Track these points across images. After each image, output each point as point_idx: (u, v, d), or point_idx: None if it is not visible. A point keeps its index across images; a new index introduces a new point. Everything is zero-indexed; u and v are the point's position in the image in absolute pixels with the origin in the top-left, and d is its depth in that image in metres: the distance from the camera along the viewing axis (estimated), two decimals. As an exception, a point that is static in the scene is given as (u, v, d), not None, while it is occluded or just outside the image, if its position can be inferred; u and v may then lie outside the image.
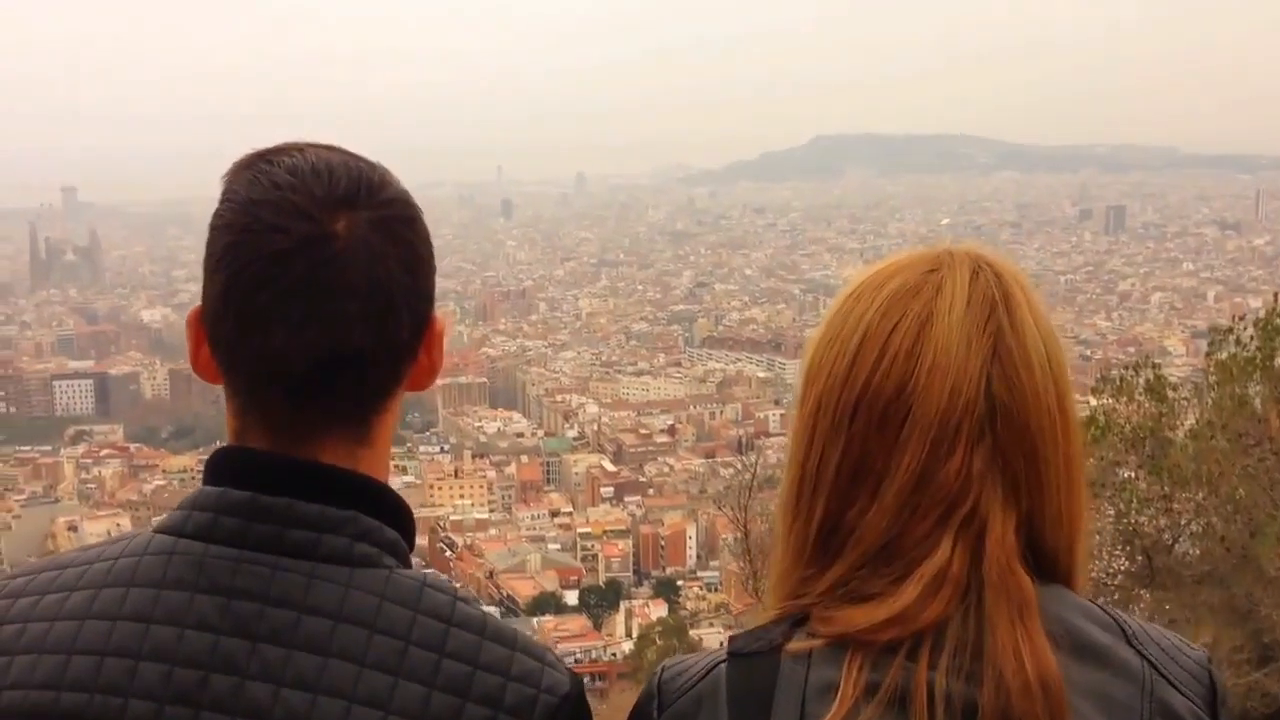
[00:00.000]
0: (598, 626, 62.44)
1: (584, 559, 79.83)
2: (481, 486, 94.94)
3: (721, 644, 1.28)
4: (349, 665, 1.12)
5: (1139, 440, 11.29)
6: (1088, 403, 12.22)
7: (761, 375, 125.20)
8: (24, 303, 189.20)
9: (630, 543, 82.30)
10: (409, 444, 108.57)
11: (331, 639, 1.13)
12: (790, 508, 1.28)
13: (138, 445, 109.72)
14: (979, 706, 1.13)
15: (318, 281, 1.16)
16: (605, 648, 57.16)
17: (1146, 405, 11.49)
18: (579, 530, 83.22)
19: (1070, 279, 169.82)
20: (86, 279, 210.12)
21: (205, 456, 1.27)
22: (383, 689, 1.12)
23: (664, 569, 78.78)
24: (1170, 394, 11.62)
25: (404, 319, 1.21)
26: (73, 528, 76.62)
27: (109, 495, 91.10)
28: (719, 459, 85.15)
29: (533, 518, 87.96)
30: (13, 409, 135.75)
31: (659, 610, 56.25)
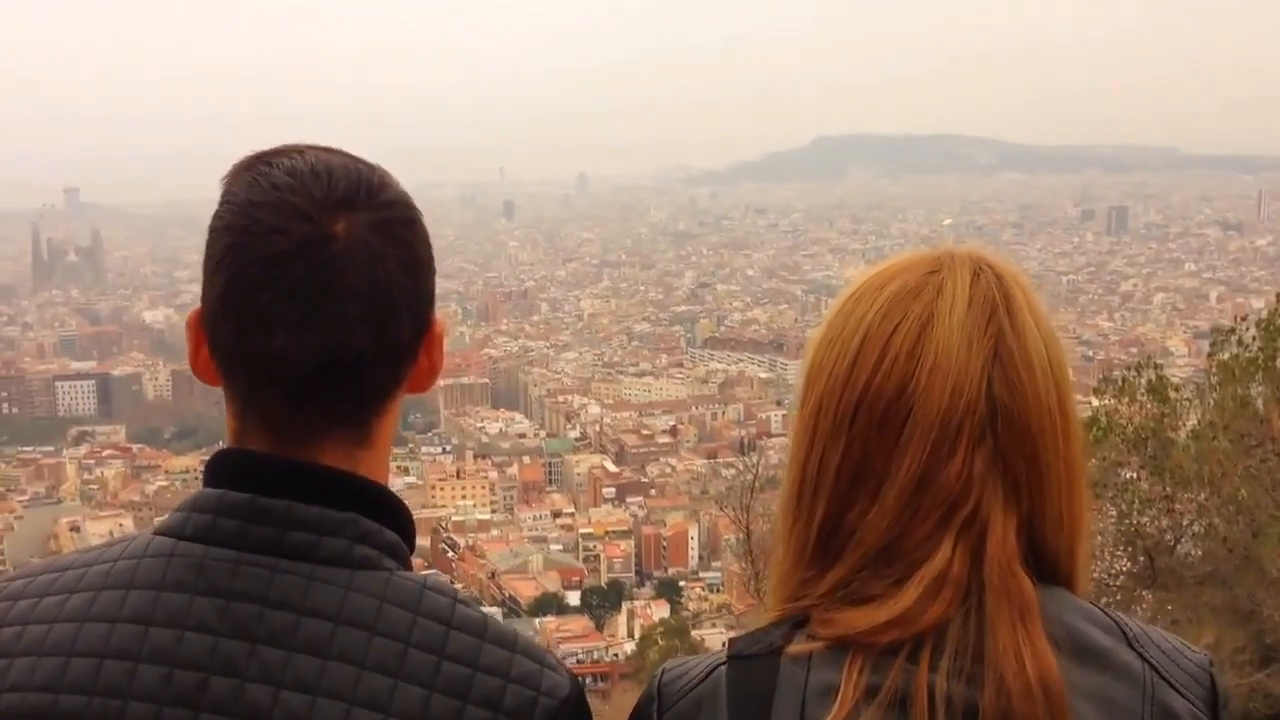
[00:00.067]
0: (600, 627, 62.41)
1: (586, 560, 79.85)
2: (483, 487, 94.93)
3: (722, 646, 1.28)
4: (349, 667, 1.13)
5: (1141, 441, 11.29)
6: (1090, 403, 12.22)
7: (763, 376, 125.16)
8: (26, 303, 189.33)
9: (632, 543, 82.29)
10: (411, 445, 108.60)
11: (331, 641, 1.13)
12: (791, 509, 1.28)
13: (140, 446, 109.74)
14: (980, 709, 1.13)
15: (317, 283, 1.16)
16: (607, 648, 57.10)
17: (1149, 406, 11.49)
18: (581, 531, 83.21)
19: (1072, 279, 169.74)
20: (89, 280, 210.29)
21: (208, 457, 1.28)
22: (383, 691, 1.12)
23: (666, 570, 78.78)
24: (1172, 395, 11.63)
25: (404, 321, 1.21)
26: (75, 528, 76.66)
27: (111, 496, 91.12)
28: (721, 459, 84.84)
29: (535, 518, 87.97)
30: (15, 410, 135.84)
31: (661, 611, 56.24)
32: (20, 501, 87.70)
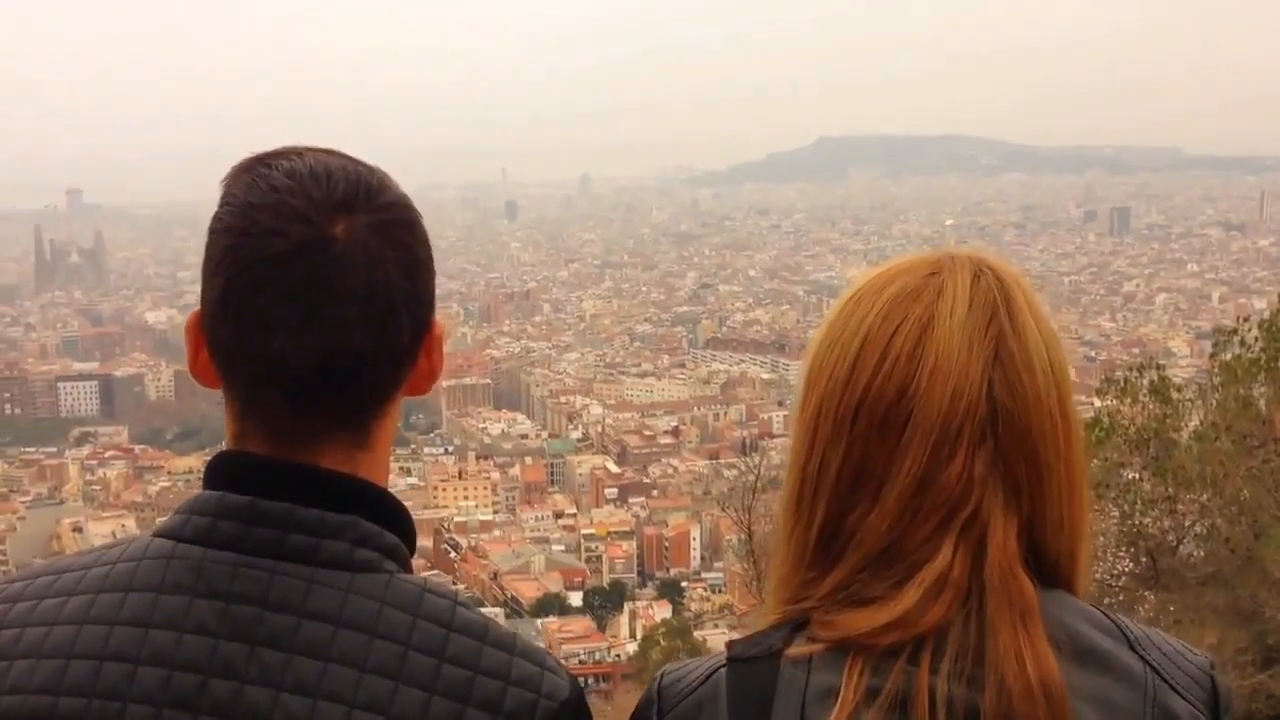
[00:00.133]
0: (602, 628, 62.41)
1: (588, 560, 79.83)
2: (485, 488, 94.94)
3: (722, 649, 1.28)
4: (349, 670, 1.12)
5: (1143, 442, 11.30)
6: (1092, 404, 12.24)
7: (765, 377, 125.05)
8: (29, 304, 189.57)
9: (634, 544, 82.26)
10: (413, 445, 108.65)
11: (331, 644, 1.13)
12: (791, 511, 1.28)
13: (142, 447, 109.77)
14: (981, 711, 1.13)
15: (317, 285, 1.16)
16: (609, 649, 57.11)
17: (1151, 406, 11.49)
18: (583, 531, 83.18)
19: (1075, 280, 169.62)
20: (91, 281, 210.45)
21: (210, 458, 1.28)
22: (383, 694, 1.12)
23: (668, 570, 78.75)
24: (1175, 395, 11.63)
25: (404, 323, 1.21)
26: (78, 529, 76.71)
27: (114, 497, 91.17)
28: (723, 460, 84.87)
29: (537, 519, 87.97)
30: (17, 410, 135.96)
31: (663, 611, 56.31)
32: (23, 502, 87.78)
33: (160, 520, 1.26)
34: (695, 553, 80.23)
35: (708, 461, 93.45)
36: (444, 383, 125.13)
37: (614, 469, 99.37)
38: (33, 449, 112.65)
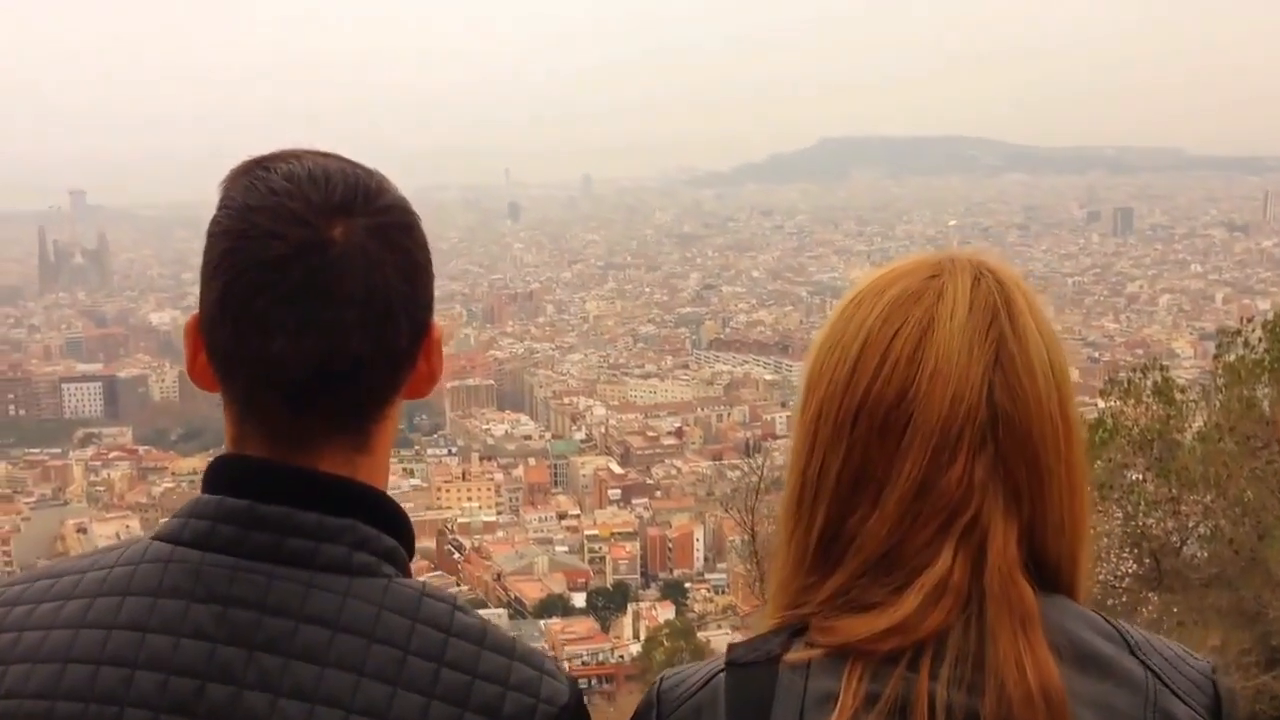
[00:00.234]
0: (605, 629, 62.43)
1: (591, 561, 79.82)
2: (489, 489, 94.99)
3: (723, 652, 1.28)
4: (347, 674, 1.12)
5: (1147, 442, 11.30)
6: (1096, 405, 12.24)
7: (769, 378, 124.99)
8: (32, 305, 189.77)
9: (638, 545, 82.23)
10: (417, 446, 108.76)
11: (329, 648, 1.13)
12: (791, 515, 1.28)
13: (146, 447, 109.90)
14: (981, 717, 1.13)
15: (315, 287, 1.16)
16: (613, 650, 57.12)
17: (1154, 407, 11.50)
18: (586, 532, 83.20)
19: (1078, 281, 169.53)
20: (95, 282, 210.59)
21: (209, 461, 1.28)
22: (381, 698, 1.12)
23: (671, 571, 78.77)
24: (1178, 396, 11.64)
25: (402, 326, 1.21)
26: (82, 530, 76.87)
27: (118, 497, 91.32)
28: (726, 461, 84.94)
29: (540, 520, 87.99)
30: (21, 411, 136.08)
31: (666, 612, 56.39)
32: (27, 503, 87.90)
33: (160, 523, 1.26)
34: (699, 554, 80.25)
35: (711, 462, 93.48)
36: (447, 384, 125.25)
37: (617, 470, 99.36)
38: (37, 450, 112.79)
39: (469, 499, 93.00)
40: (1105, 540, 10.82)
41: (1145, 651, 1.21)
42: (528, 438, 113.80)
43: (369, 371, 1.20)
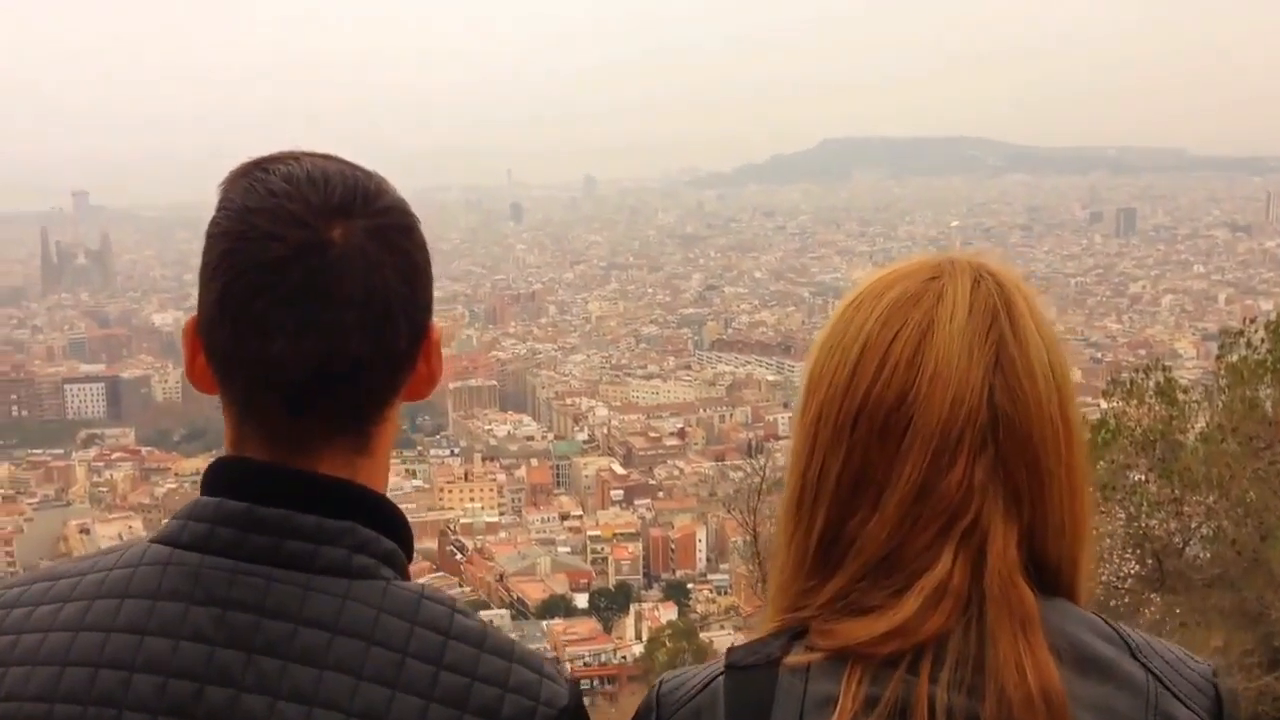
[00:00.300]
0: (608, 629, 62.47)
1: (594, 562, 79.86)
2: (491, 489, 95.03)
3: (722, 656, 1.28)
4: (346, 678, 1.12)
5: (1149, 443, 11.29)
6: (1099, 406, 12.23)
7: (771, 378, 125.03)
8: (35, 306, 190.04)
9: (640, 546, 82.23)
10: (420, 447, 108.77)
11: (328, 651, 1.13)
12: (791, 517, 1.28)
13: (149, 448, 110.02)
14: None
15: (315, 289, 1.16)
16: (615, 651, 57.15)
17: (1157, 408, 11.49)
18: (589, 533, 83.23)
19: (1080, 281, 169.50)
20: (98, 282, 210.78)
21: (208, 463, 1.29)
22: (380, 701, 1.12)
23: (674, 572, 78.78)
24: (1181, 397, 11.62)
25: (401, 328, 1.21)
26: (85, 530, 76.92)
27: (121, 498, 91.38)
28: (728, 462, 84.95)
29: (543, 521, 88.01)
30: (24, 412, 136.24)
31: (669, 613, 56.39)
32: (30, 504, 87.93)
33: (160, 524, 1.26)
34: (701, 554, 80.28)
35: (713, 463, 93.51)
36: (450, 384, 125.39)
37: (620, 471, 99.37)
38: (40, 451, 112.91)
39: (471, 500, 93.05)
40: (1108, 541, 10.82)
41: (1146, 654, 1.20)
42: (530, 438, 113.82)
43: (368, 373, 1.20)
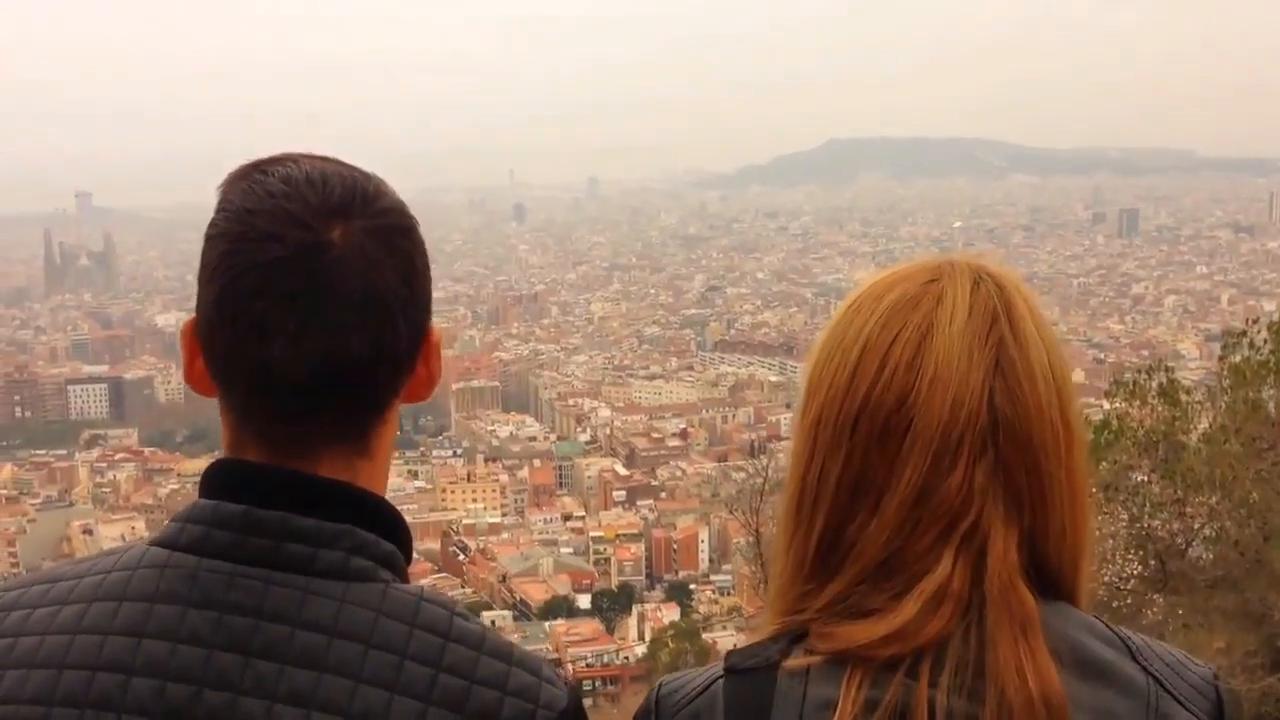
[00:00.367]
0: (610, 630, 62.44)
1: (596, 563, 79.87)
2: (494, 490, 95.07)
3: (721, 659, 1.28)
4: (344, 680, 1.12)
5: (1152, 444, 11.28)
6: (1101, 406, 12.23)
7: (773, 379, 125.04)
8: (39, 307, 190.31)
9: (643, 546, 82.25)
10: (422, 448, 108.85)
11: (327, 654, 1.13)
12: (790, 520, 1.27)
13: (152, 449, 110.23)
14: None
15: (314, 290, 1.15)
16: (618, 651, 57.19)
17: (1160, 409, 11.48)
18: (591, 534, 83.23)
19: (1083, 282, 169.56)
20: (101, 284, 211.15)
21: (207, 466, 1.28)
22: (378, 704, 1.11)
23: (676, 573, 78.78)
24: (1183, 398, 11.62)
25: (401, 329, 1.20)
26: (88, 531, 77.05)
27: (124, 499, 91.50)
28: (731, 463, 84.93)
29: (545, 521, 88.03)
30: (28, 413, 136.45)
31: (671, 614, 56.32)
32: (33, 504, 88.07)
33: (160, 527, 1.26)
34: (703, 555, 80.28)
35: (716, 464, 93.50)
36: (453, 385, 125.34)
37: (622, 471, 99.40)
38: (43, 451, 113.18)
39: (474, 500, 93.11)
40: (1110, 542, 10.81)
41: (1146, 657, 1.20)
42: (533, 439, 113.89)
43: (368, 374, 1.20)
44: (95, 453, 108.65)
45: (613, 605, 68.22)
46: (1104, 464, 10.78)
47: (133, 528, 72.60)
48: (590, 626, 62.31)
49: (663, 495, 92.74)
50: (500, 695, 1.15)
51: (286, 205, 1.17)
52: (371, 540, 1.20)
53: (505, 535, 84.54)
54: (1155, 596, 11.16)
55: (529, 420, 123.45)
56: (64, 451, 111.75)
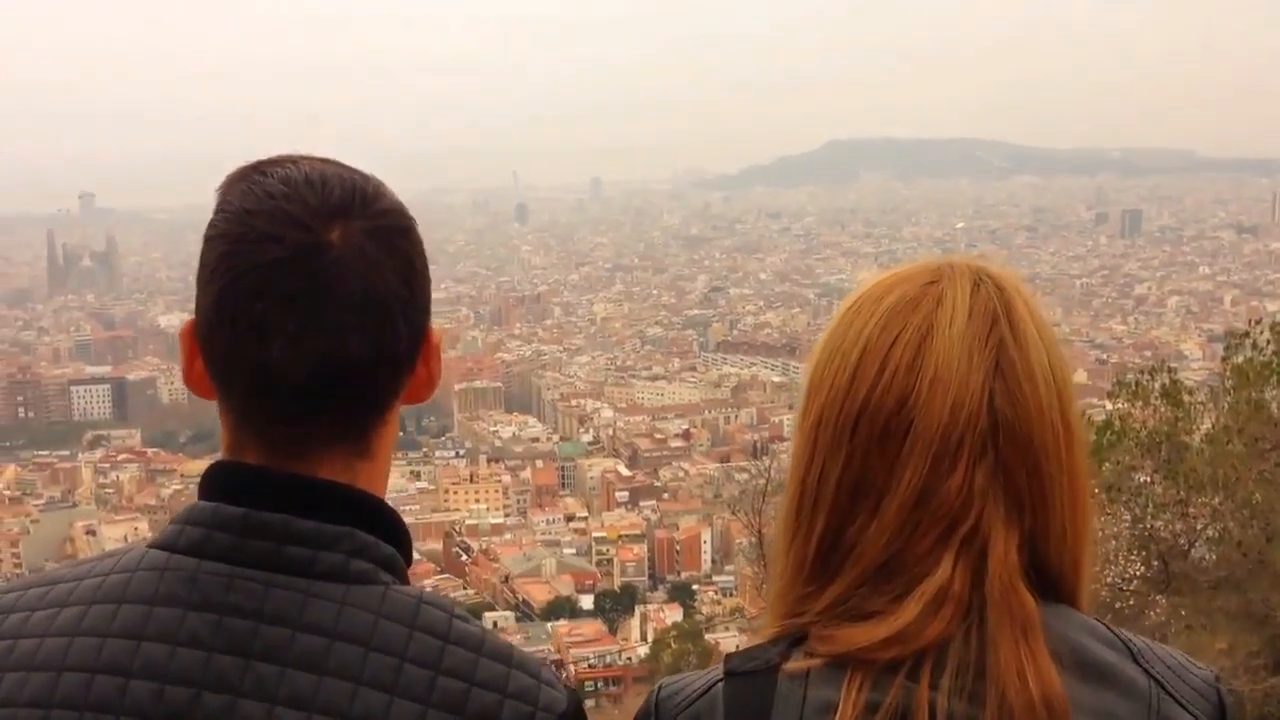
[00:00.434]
0: (613, 631, 62.47)
1: (599, 563, 79.92)
2: (497, 491, 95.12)
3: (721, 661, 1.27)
4: (344, 683, 1.12)
5: (1155, 445, 11.27)
6: (1104, 407, 12.22)
7: (776, 380, 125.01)
8: (42, 308, 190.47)
9: (645, 547, 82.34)
10: (425, 449, 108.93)
11: (327, 656, 1.12)
12: (790, 523, 1.27)
13: (155, 450, 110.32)
14: None
15: (314, 290, 1.15)
16: (620, 652, 57.22)
17: (1163, 410, 11.47)
18: (594, 535, 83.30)
19: (1086, 283, 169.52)
20: (104, 284, 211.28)
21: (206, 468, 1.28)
22: (378, 706, 1.11)
23: (679, 573, 78.82)
24: (1186, 398, 11.61)
25: (401, 330, 1.20)
26: (91, 532, 77.12)
27: (127, 500, 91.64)
28: (734, 463, 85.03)
29: (548, 522, 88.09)
30: (31, 414, 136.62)
31: (674, 615, 56.26)
32: (36, 505, 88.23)
33: (159, 530, 1.25)
34: (706, 556, 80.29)
35: (718, 465, 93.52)
36: (455, 386, 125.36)
37: (625, 472, 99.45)
38: (46, 452, 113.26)
39: (476, 501, 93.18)
40: (1113, 543, 10.81)
41: (1148, 659, 1.20)
42: (535, 440, 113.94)
43: (368, 375, 1.19)
44: (98, 453, 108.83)
45: (615, 606, 68.25)
46: (1107, 465, 10.77)
47: (136, 529, 72.58)
48: (593, 627, 62.35)
49: (665, 496, 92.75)
50: (500, 697, 1.15)
51: (286, 206, 1.17)
52: (371, 543, 1.19)
53: (508, 536, 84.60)
54: (1158, 597, 11.15)
55: (531, 421, 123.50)
56: (67, 452, 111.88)
